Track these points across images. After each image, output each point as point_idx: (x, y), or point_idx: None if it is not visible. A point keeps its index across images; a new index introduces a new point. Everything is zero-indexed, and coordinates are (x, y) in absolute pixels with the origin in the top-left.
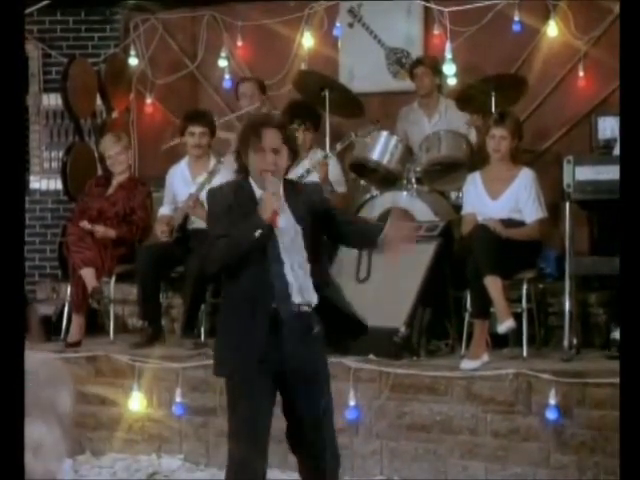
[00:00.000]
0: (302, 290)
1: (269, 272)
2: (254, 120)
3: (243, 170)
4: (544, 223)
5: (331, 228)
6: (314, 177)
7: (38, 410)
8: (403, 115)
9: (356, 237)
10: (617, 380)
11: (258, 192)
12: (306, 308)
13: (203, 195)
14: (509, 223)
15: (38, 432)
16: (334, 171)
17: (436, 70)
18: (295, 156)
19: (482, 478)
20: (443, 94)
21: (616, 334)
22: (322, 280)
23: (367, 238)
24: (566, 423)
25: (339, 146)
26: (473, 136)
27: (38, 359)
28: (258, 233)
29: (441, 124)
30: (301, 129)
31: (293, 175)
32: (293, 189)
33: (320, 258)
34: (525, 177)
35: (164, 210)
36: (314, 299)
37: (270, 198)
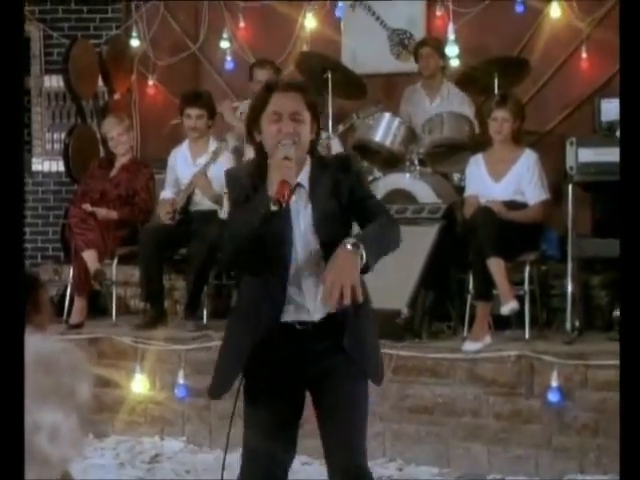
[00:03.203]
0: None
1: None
2: (267, 84)
3: (259, 152)
4: (547, 205)
5: (361, 221)
6: None
7: (57, 397)
8: (406, 96)
9: None
10: (619, 362)
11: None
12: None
13: (209, 173)
14: (512, 205)
15: (55, 418)
16: (337, 152)
17: (441, 52)
18: (318, 128)
19: (484, 460)
20: (447, 77)
21: (619, 313)
22: None
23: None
24: (568, 405)
25: (341, 127)
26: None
27: (59, 347)
28: (261, 212)
29: (443, 107)
30: None
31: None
32: (320, 165)
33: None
34: (528, 159)
35: (166, 193)
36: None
37: (280, 165)
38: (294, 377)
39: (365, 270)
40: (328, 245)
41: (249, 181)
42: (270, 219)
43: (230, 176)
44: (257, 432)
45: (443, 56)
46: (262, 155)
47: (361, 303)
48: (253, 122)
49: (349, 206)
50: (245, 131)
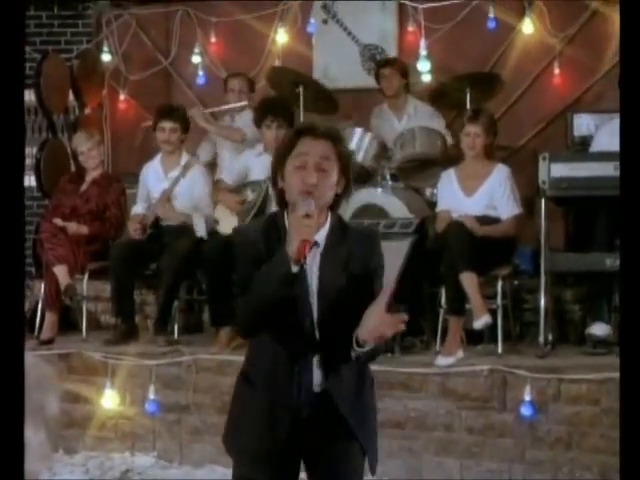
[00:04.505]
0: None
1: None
2: (297, 128)
3: (280, 200)
4: (519, 219)
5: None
6: None
7: (26, 412)
8: (375, 113)
9: None
10: (592, 376)
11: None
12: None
13: (177, 190)
14: (484, 220)
15: (24, 433)
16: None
17: (403, 72)
18: (348, 185)
19: (457, 474)
20: (411, 94)
21: (591, 330)
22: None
23: None
24: (541, 419)
25: None
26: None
27: (27, 362)
28: (281, 273)
29: (411, 124)
30: (274, 126)
31: (266, 171)
32: (340, 228)
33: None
34: (500, 173)
35: (137, 209)
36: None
37: (299, 224)
38: (291, 445)
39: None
40: (324, 314)
41: (262, 239)
42: (291, 280)
43: (239, 234)
44: None
45: (405, 75)
46: (282, 203)
47: (366, 385)
48: (277, 166)
49: (357, 281)
50: (271, 175)
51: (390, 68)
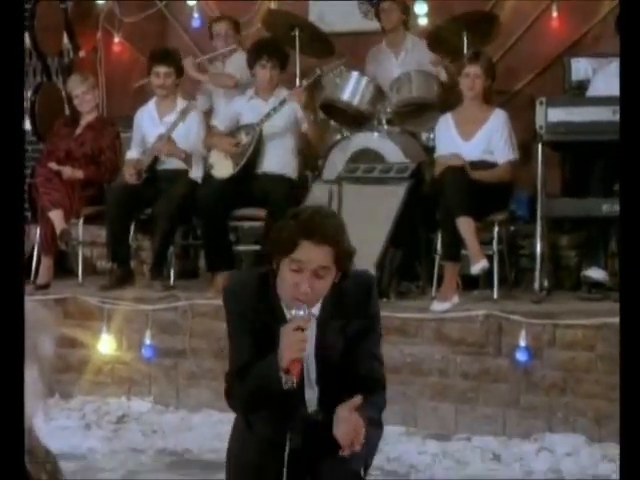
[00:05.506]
0: None
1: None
2: (298, 227)
3: (272, 271)
4: (515, 165)
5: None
6: (289, 109)
7: None
8: (371, 55)
9: None
10: (587, 321)
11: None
12: None
13: (175, 134)
14: (481, 164)
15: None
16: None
17: (403, 6)
18: (346, 275)
19: (451, 419)
20: (410, 31)
21: (587, 272)
22: None
23: None
24: (536, 364)
25: (305, 82)
26: (443, 75)
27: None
28: (270, 387)
29: (408, 61)
30: (269, 65)
31: (258, 115)
32: (338, 290)
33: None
34: (497, 118)
35: (132, 153)
36: None
37: (290, 339)
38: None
39: None
40: (324, 378)
41: (253, 306)
42: (282, 393)
43: (230, 295)
44: None
45: (405, 11)
46: (274, 276)
47: None
48: (274, 253)
49: (355, 339)
50: (266, 256)
51: (390, 1)
